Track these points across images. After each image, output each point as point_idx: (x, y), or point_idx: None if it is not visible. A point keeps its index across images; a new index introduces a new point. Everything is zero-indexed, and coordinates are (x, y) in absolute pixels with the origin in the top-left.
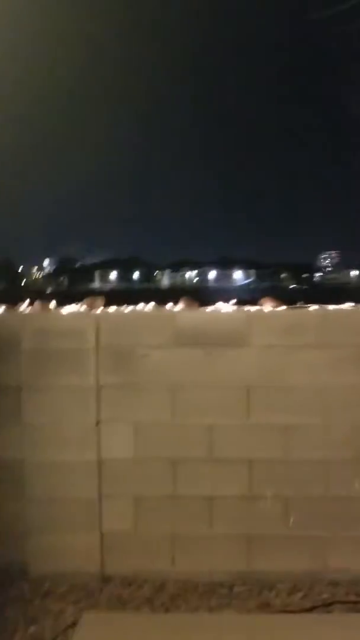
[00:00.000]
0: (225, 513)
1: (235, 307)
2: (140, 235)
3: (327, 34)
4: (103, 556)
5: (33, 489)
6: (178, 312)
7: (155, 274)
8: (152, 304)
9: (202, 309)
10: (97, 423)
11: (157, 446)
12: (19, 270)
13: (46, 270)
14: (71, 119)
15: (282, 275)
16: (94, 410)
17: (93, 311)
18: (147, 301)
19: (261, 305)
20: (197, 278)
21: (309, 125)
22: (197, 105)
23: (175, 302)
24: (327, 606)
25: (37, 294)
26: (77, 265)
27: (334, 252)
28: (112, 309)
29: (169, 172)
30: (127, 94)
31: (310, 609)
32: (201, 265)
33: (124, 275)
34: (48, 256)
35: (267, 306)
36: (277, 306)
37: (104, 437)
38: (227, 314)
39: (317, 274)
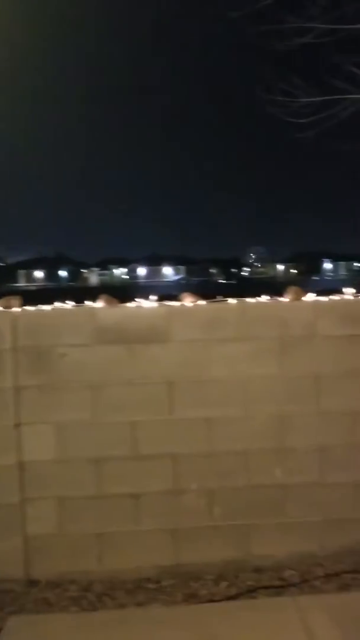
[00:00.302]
0: (151, 509)
1: (156, 303)
2: (67, 233)
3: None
4: (28, 560)
5: None
6: (98, 309)
7: (83, 272)
8: (71, 302)
9: (122, 305)
10: (17, 425)
11: (80, 446)
12: None
13: None
14: None
15: (212, 271)
16: (12, 413)
17: (9, 311)
18: (75, 300)
19: (182, 300)
20: (126, 275)
21: (230, 120)
22: (123, 100)
23: (96, 300)
24: (251, 592)
25: None
26: (1, 264)
27: (260, 247)
28: (30, 308)
29: (95, 169)
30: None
31: (235, 597)
32: (130, 262)
33: (51, 274)
34: None
35: (187, 301)
36: (196, 301)
37: (25, 440)
38: (148, 310)
39: (246, 269)
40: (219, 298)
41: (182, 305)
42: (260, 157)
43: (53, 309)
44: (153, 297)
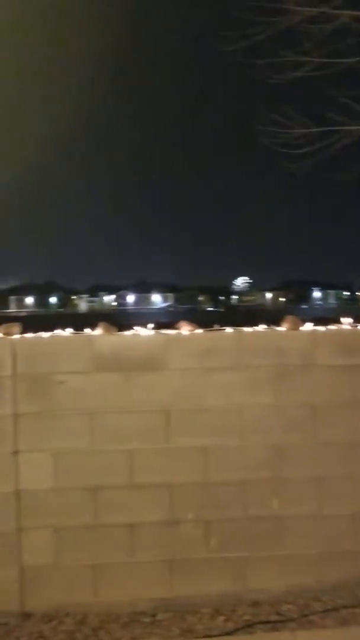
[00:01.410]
0: (146, 540)
1: (153, 331)
2: (56, 260)
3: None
4: (23, 591)
5: None
6: (96, 336)
7: (72, 298)
8: (69, 329)
9: (120, 333)
10: (15, 453)
11: (77, 474)
12: None
13: None
14: None
15: (200, 298)
16: (10, 440)
17: (9, 338)
18: (64, 326)
19: (178, 328)
20: (115, 302)
21: (221, 149)
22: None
23: (94, 327)
24: (249, 627)
25: None
26: None
27: (247, 277)
28: (29, 335)
29: (84, 196)
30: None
31: (232, 632)
32: (119, 289)
33: (41, 301)
34: None
35: (184, 329)
36: (193, 329)
37: (23, 468)
38: (145, 338)
39: (233, 297)
40: (216, 327)
41: (179, 333)
42: (251, 187)
43: (51, 336)
44: (149, 325)
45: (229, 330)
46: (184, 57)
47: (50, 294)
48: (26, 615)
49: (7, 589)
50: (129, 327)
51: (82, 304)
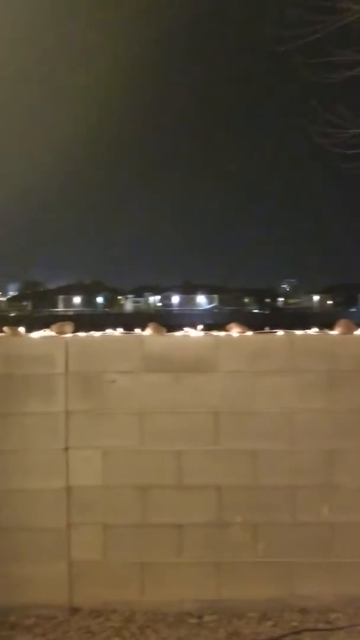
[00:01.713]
0: (194, 541)
1: (203, 332)
2: (103, 260)
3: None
4: (71, 586)
5: (1, 518)
6: (146, 337)
7: (118, 298)
8: (120, 329)
9: (170, 334)
10: (65, 449)
11: (126, 473)
12: None
13: (9, 295)
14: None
15: (245, 300)
16: (62, 437)
17: (62, 336)
18: (110, 326)
19: (228, 330)
20: (160, 303)
21: (269, 149)
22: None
23: (139, 327)
24: (296, 634)
25: (3, 318)
26: (41, 289)
27: (294, 278)
28: (81, 334)
29: (129, 196)
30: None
31: (279, 637)
32: (165, 290)
33: (88, 300)
34: (11, 281)
35: (235, 331)
36: (244, 331)
37: (72, 464)
38: (195, 339)
39: (279, 299)
40: (267, 329)
41: (229, 335)
42: (300, 187)
43: (102, 335)
44: (198, 326)
45: (280, 333)
46: (236, 58)
47: (96, 294)
48: (74, 610)
49: (56, 583)
50: (175, 328)
51: (128, 304)
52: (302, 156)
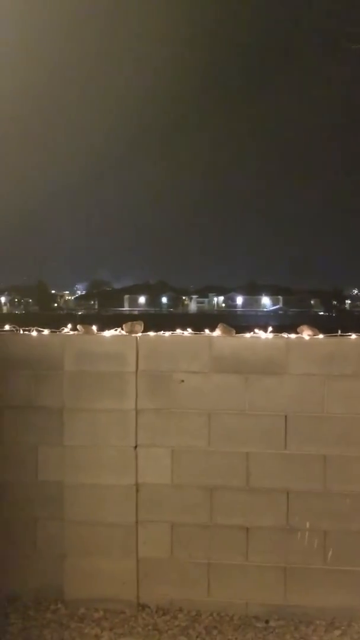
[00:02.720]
0: (261, 544)
1: (272, 334)
2: (169, 261)
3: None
4: (139, 583)
5: (71, 511)
6: (215, 337)
7: (182, 298)
8: (189, 329)
9: (239, 335)
10: (135, 447)
11: (194, 473)
12: (52, 293)
13: (77, 294)
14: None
15: (311, 302)
16: (132, 435)
17: (133, 335)
18: (175, 326)
19: (299, 332)
20: (224, 303)
21: (343, 150)
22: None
23: (204, 327)
24: None
25: (72, 316)
26: (108, 289)
27: None
28: (151, 333)
29: (197, 201)
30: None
31: None
32: (229, 291)
33: (152, 300)
34: (79, 280)
35: (305, 333)
36: (315, 334)
37: (141, 462)
38: (265, 341)
39: (347, 302)
40: (340, 332)
41: (300, 337)
42: None
43: (172, 335)
44: (268, 328)
45: (353, 336)
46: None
47: (161, 294)
48: (141, 606)
49: (125, 579)
50: (239, 329)
51: (192, 305)
52: None
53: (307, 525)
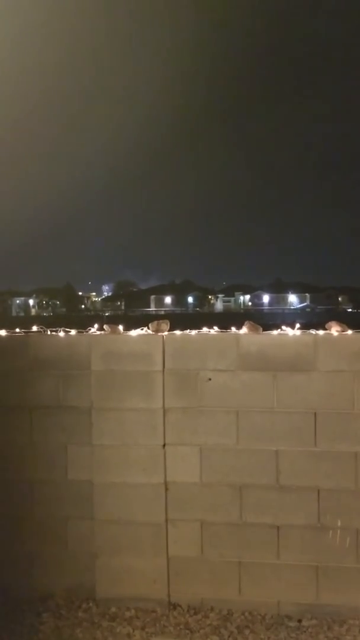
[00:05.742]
0: (292, 543)
1: (300, 331)
2: (192, 260)
3: None
4: (170, 581)
5: (101, 510)
6: (242, 335)
7: (209, 297)
8: (215, 328)
9: (266, 332)
10: (164, 446)
11: (223, 471)
12: (80, 295)
13: (104, 295)
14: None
15: (339, 299)
16: (161, 433)
17: (159, 334)
18: (203, 325)
19: (327, 328)
20: (250, 302)
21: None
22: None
23: (231, 326)
24: None
25: (99, 317)
26: (134, 289)
27: None
28: (177, 332)
29: (220, 200)
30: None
31: None
32: (255, 290)
33: (178, 300)
34: (105, 281)
35: (334, 330)
36: (344, 330)
37: (170, 461)
38: (293, 338)
39: None
40: None
41: (329, 333)
42: None
43: (198, 334)
44: (296, 325)
45: None
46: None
47: (187, 294)
48: (172, 605)
49: (156, 577)
50: (266, 327)
51: (218, 304)
52: None
53: (339, 523)
